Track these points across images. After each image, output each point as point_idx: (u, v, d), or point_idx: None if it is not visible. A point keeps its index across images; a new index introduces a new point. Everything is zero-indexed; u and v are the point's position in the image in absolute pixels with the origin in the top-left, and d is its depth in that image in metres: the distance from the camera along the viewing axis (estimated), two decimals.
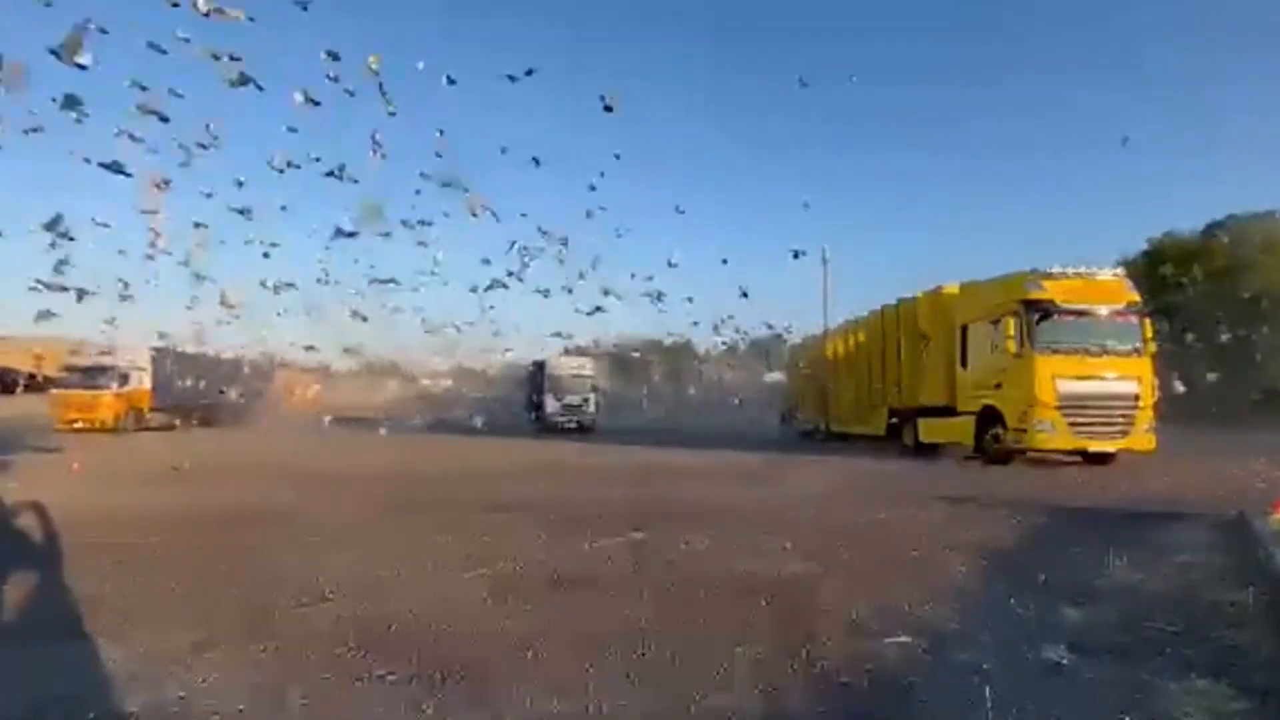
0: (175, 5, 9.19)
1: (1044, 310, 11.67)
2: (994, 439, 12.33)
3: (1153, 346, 11.88)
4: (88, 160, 12.07)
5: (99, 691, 2.42)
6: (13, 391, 38.75)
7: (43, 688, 2.44)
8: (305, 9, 10.46)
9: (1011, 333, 11.87)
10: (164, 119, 11.57)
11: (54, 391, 25.64)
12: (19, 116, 10.56)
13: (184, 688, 2.44)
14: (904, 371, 15.63)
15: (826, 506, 6.89)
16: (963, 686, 2.43)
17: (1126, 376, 11.53)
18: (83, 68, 8.63)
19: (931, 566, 4.33)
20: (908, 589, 3.78)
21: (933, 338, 14.63)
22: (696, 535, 5.37)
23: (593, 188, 21.71)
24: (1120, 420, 11.41)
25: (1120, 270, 13.10)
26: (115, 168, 11.66)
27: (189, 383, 29.87)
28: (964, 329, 13.48)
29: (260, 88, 10.98)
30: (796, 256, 22.00)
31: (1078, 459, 11.95)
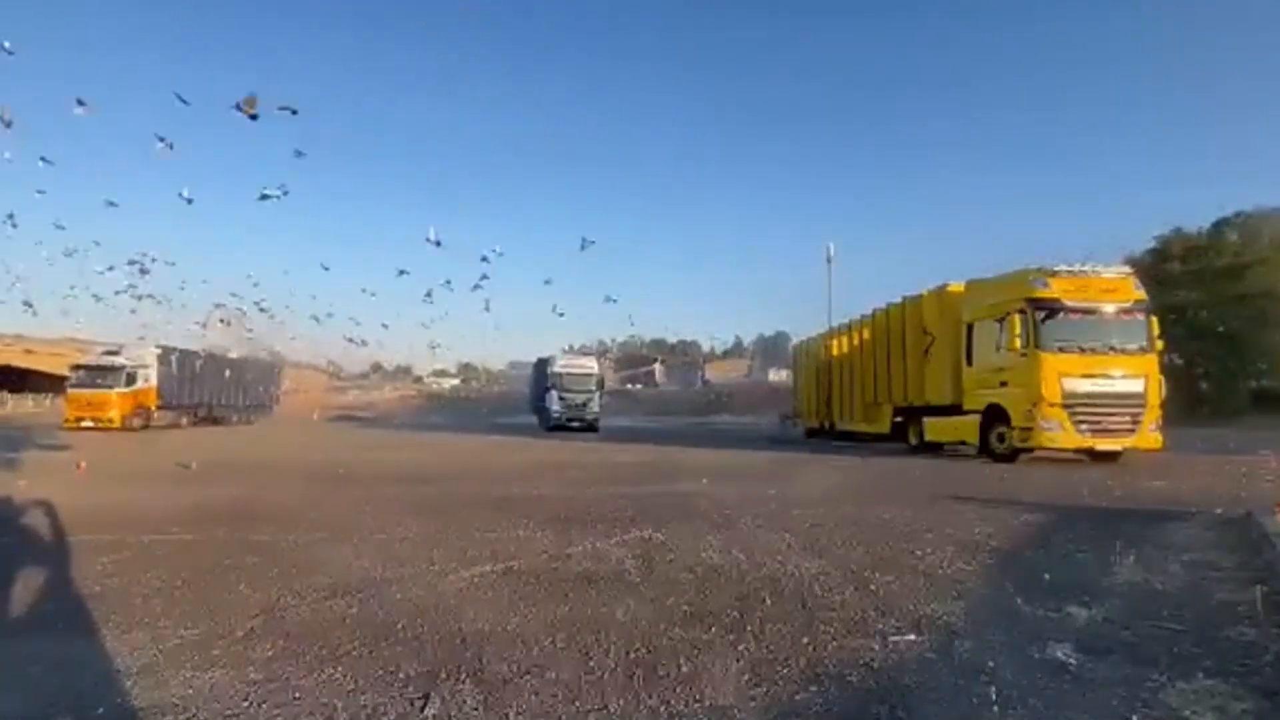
0: None
1: (1050, 308, 11.62)
2: (1000, 438, 12.29)
3: (1159, 344, 11.81)
4: None
5: (106, 688, 2.43)
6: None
7: (50, 685, 2.45)
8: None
9: (1017, 331, 11.83)
10: None
11: (70, 392, 25.80)
12: None
13: (190, 685, 2.45)
14: (909, 370, 15.59)
15: (832, 505, 6.88)
16: (968, 686, 2.42)
17: (1133, 375, 11.48)
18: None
19: (937, 565, 4.31)
20: (913, 587, 3.77)
21: (938, 336, 14.58)
22: (701, 533, 5.37)
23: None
24: (1127, 419, 11.37)
25: (1127, 268, 13.03)
26: None
27: (195, 381, 30.03)
28: (969, 327, 13.43)
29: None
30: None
31: (1083, 457, 11.89)
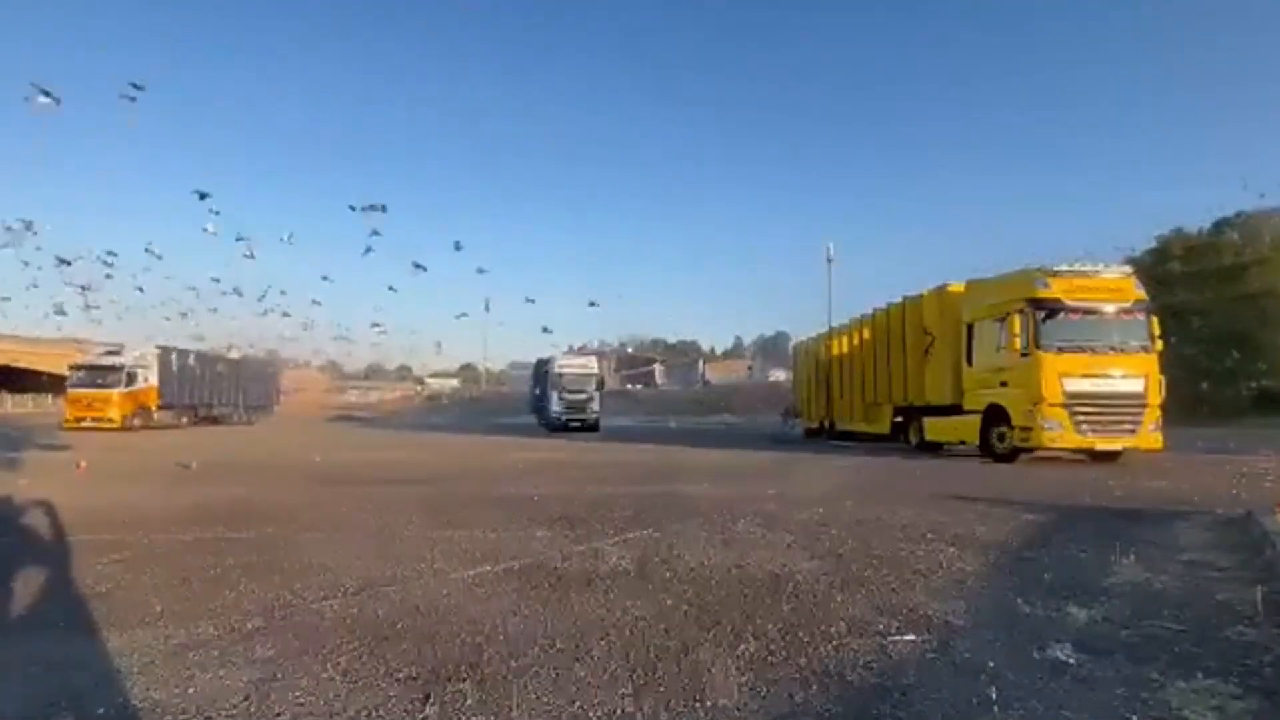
0: None
1: (1050, 308, 11.62)
2: (1000, 437, 12.28)
3: (1160, 344, 11.81)
4: None
5: (106, 688, 2.43)
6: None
7: (51, 684, 2.45)
8: None
9: (1018, 331, 11.83)
10: None
11: (70, 392, 25.82)
12: None
13: (191, 684, 2.45)
14: (909, 370, 15.59)
15: (832, 505, 6.87)
16: (968, 685, 2.42)
17: (1133, 375, 11.48)
18: None
19: (937, 565, 4.31)
20: (913, 587, 3.77)
21: (938, 336, 14.58)
22: (701, 533, 5.37)
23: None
24: (1127, 419, 11.37)
25: (1127, 268, 13.03)
26: None
27: (195, 381, 30.05)
28: (970, 327, 13.43)
29: None
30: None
31: (1083, 457, 11.89)
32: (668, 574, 4.10)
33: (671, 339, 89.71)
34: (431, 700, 2.31)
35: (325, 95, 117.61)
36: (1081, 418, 11.27)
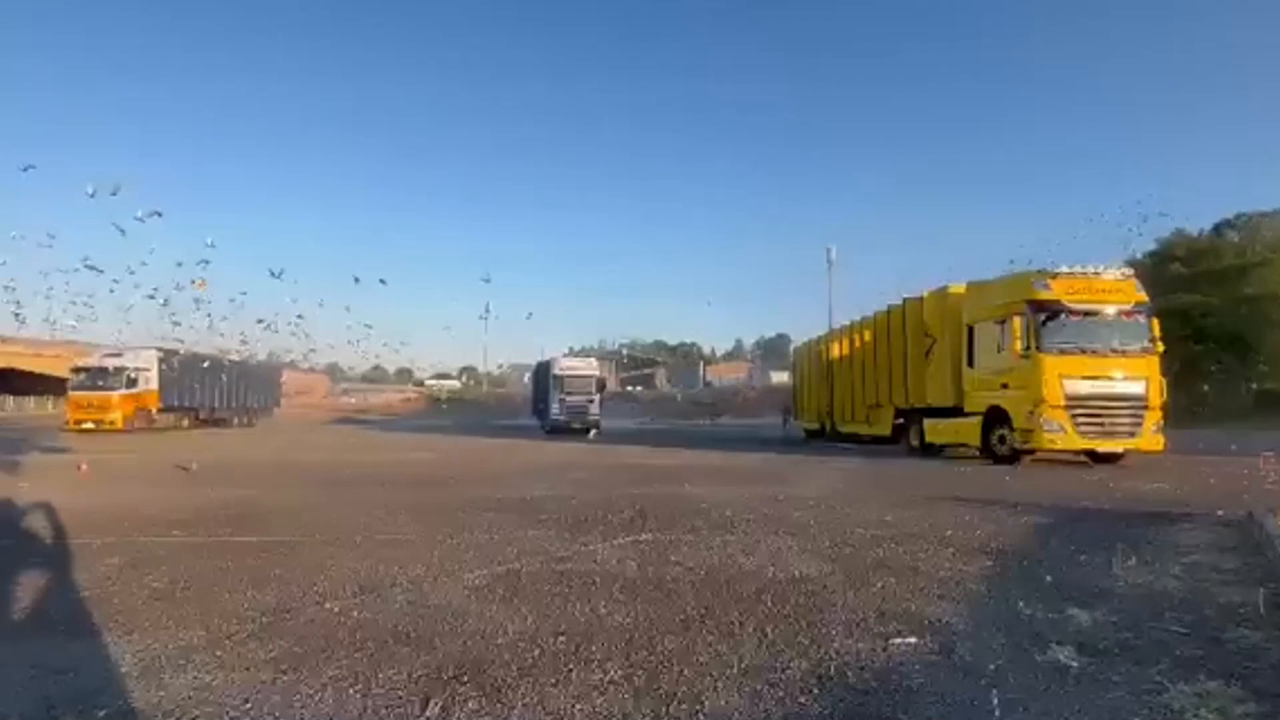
0: None
1: (1051, 310, 11.60)
2: (1001, 439, 12.26)
3: (1160, 346, 11.79)
4: None
5: (108, 689, 2.43)
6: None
7: (53, 687, 2.46)
8: None
9: (1018, 333, 11.81)
10: None
11: (72, 394, 25.82)
12: None
13: (192, 687, 2.45)
14: (910, 372, 15.56)
15: (832, 507, 6.87)
16: (970, 688, 2.42)
17: (1134, 376, 11.46)
18: None
19: (938, 566, 4.31)
20: (914, 589, 3.76)
21: (939, 338, 14.56)
22: (702, 535, 5.36)
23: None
24: (1128, 420, 11.35)
25: (1128, 269, 13.01)
26: None
27: (196, 383, 30.04)
28: (971, 329, 13.41)
29: None
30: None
31: (1084, 459, 11.88)
32: (668, 576, 4.10)
33: (672, 341, 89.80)
34: (432, 702, 2.31)
35: (322, 95, 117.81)
36: (1082, 420, 11.25)
